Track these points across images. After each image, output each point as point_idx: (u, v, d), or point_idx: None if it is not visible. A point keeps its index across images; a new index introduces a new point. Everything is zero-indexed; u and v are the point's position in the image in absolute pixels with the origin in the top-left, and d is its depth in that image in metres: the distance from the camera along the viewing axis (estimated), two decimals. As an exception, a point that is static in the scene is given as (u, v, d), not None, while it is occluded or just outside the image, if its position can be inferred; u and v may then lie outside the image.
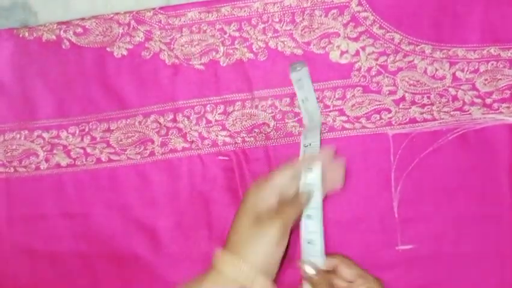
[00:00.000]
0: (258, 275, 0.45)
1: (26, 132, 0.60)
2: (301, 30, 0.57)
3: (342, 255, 0.54)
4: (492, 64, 0.56)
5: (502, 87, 0.56)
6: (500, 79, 0.56)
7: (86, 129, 0.60)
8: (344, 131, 0.58)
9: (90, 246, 0.61)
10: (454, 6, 0.56)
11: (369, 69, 0.57)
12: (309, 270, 0.52)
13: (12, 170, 0.61)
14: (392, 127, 0.57)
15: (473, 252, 0.58)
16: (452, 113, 0.57)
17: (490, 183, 0.57)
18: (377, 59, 0.56)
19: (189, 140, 0.59)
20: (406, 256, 0.58)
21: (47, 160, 0.61)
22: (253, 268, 0.45)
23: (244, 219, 0.48)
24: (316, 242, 0.52)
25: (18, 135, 0.60)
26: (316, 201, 0.51)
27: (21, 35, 0.59)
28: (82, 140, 0.60)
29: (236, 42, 0.57)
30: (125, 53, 0.58)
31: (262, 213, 0.48)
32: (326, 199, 0.55)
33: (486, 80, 0.56)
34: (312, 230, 0.51)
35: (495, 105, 0.56)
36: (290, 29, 0.57)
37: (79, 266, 0.62)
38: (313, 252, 0.52)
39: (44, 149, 0.61)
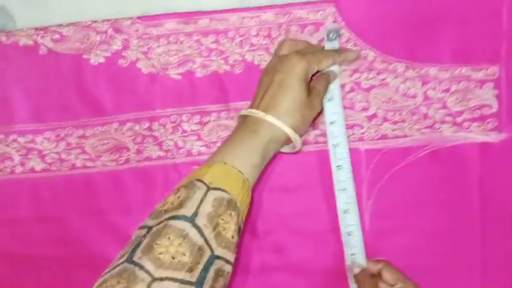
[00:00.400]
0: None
1: (2, 136, 0.61)
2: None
3: (386, 260, 0.55)
4: (463, 84, 0.57)
5: (473, 106, 0.57)
6: (471, 99, 0.57)
7: (62, 135, 0.60)
8: (318, 145, 0.59)
9: (66, 251, 0.62)
10: (427, 26, 0.57)
11: (343, 86, 0.58)
12: (356, 270, 0.54)
13: (-14, 173, 0.61)
14: (364, 142, 0.58)
15: (443, 265, 0.59)
16: (423, 130, 0.58)
17: (460, 198, 0.59)
18: (351, 76, 0.57)
19: (165, 148, 0.60)
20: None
21: (22, 164, 0.61)
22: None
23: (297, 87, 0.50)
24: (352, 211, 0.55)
25: (-7, 139, 0.61)
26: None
27: (-3, 39, 0.58)
28: (57, 145, 0.60)
29: (213, 54, 0.58)
30: (102, 60, 0.59)
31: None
32: (299, 208, 0.58)
33: (457, 99, 0.57)
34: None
35: (466, 124, 0.58)
36: (267, 43, 0.57)
37: (54, 270, 0.63)
38: (353, 242, 0.56)
39: (19, 153, 0.61)
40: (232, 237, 0.43)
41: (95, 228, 0.61)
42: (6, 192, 0.62)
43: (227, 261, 0.42)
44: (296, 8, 0.56)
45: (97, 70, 0.59)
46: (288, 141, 0.52)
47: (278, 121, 0.48)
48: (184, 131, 0.59)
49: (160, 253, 0.38)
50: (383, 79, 0.57)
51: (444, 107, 0.57)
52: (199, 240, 0.40)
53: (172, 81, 0.59)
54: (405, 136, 0.58)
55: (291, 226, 0.60)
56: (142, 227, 0.43)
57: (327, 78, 0.54)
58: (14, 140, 0.61)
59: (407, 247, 0.59)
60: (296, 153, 0.56)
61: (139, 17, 0.57)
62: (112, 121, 0.59)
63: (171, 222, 0.40)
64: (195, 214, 0.41)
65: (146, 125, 0.59)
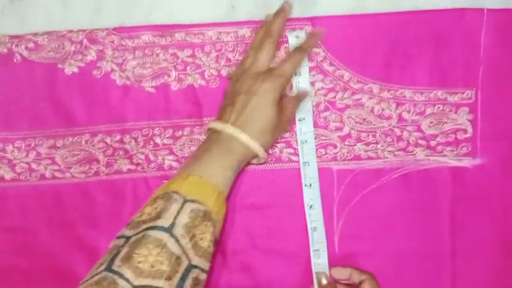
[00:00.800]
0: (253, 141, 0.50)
1: (-29, 143, 0.59)
2: (253, 61, 0.57)
3: (372, 274, 0.55)
4: (438, 107, 0.57)
5: (447, 130, 0.57)
6: (446, 122, 0.57)
7: (32, 145, 0.59)
8: (290, 163, 0.58)
9: (31, 262, 0.61)
10: (404, 47, 0.57)
11: (317, 105, 0.57)
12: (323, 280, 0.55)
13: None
14: (337, 162, 0.58)
15: (412, 290, 0.58)
16: (396, 152, 0.57)
17: (431, 222, 0.58)
18: (325, 95, 0.57)
19: (135, 162, 0.59)
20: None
21: (-9, 173, 0.60)
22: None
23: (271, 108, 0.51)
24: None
25: (-37, 146, 0.60)
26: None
27: (-29, 46, 0.58)
28: (28, 155, 0.60)
29: (188, 68, 0.57)
30: (76, 70, 0.58)
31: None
32: (269, 227, 0.58)
33: (432, 122, 0.57)
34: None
35: (439, 147, 0.57)
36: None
37: (20, 281, 0.61)
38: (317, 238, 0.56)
39: (-12, 161, 0.60)
40: (208, 247, 0.44)
41: (62, 240, 0.60)
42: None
43: (203, 270, 0.44)
44: (272, 25, 0.56)
45: (70, 80, 0.58)
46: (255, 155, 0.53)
47: (252, 141, 0.50)
48: (156, 145, 0.59)
49: (139, 262, 0.40)
50: (358, 99, 0.57)
51: (419, 129, 0.57)
52: (177, 250, 0.41)
53: (146, 94, 0.58)
54: (378, 158, 0.58)
55: (260, 245, 0.59)
56: (119, 237, 0.43)
57: (299, 99, 0.55)
58: (-17, 148, 0.60)
59: (376, 270, 0.58)
60: (263, 163, 0.57)
61: (114, 28, 0.57)
62: (83, 132, 0.59)
63: (150, 232, 0.41)
64: (172, 225, 0.42)
65: (118, 137, 0.59)
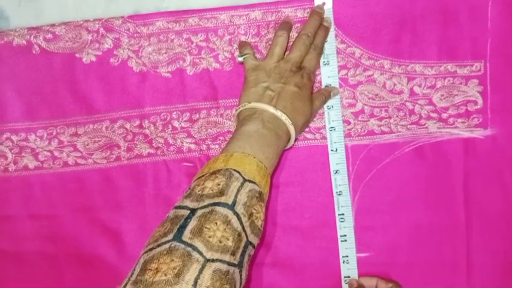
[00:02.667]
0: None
1: (-5, 134, 0.61)
2: (266, 43, 0.58)
3: (378, 276, 0.59)
4: (449, 80, 0.58)
5: (458, 102, 0.58)
6: (457, 95, 0.58)
7: (54, 133, 0.61)
8: (306, 141, 0.60)
9: (56, 247, 0.63)
10: (413, 23, 0.58)
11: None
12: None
13: (-21, 171, 0.62)
14: (351, 138, 0.59)
15: (428, 261, 0.60)
16: (409, 126, 0.59)
17: (445, 194, 0.60)
18: (338, 72, 0.58)
19: (155, 146, 0.60)
20: (363, 263, 0.60)
21: (15, 162, 0.62)
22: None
23: None
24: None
25: (-13, 137, 0.61)
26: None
27: (-9, 39, 0.60)
28: (50, 143, 0.61)
29: (203, 52, 0.59)
30: (93, 59, 0.60)
31: None
32: (287, 204, 0.60)
33: (442, 95, 0.58)
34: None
35: (451, 120, 0.59)
36: (255, 41, 0.58)
37: (44, 267, 0.63)
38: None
39: (12, 151, 0.62)
40: (261, 226, 0.46)
41: (86, 225, 0.62)
42: (-1, 190, 0.62)
43: (254, 247, 0.46)
44: (284, 6, 0.57)
45: (88, 69, 0.60)
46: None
47: (294, 133, 0.53)
48: (174, 128, 0.60)
49: (210, 236, 0.41)
50: (370, 75, 0.58)
51: (430, 103, 0.58)
52: (239, 227, 0.43)
53: (162, 79, 0.60)
54: (391, 132, 0.59)
55: (280, 222, 0.61)
56: (180, 207, 0.44)
57: (327, 96, 0.58)
58: (7, 138, 0.61)
59: (392, 243, 0.59)
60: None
61: (129, 16, 0.59)
62: (103, 119, 0.60)
63: (217, 208, 0.43)
64: (234, 202, 0.44)
65: (137, 122, 0.60)
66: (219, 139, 0.60)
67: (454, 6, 0.57)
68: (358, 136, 0.59)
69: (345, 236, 0.59)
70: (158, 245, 0.41)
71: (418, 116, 0.58)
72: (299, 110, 0.53)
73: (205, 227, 0.41)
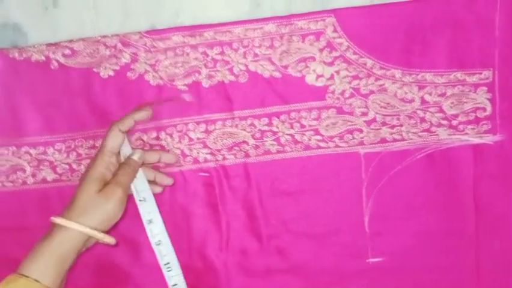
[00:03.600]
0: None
1: (14, 148, 0.63)
2: (280, 55, 0.60)
3: None
4: (458, 88, 0.60)
5: (468, 109, 0.60)
6: (466, 102, 0.60)
7: (72, 146, 0.62)
8: (319, 150, 0.61)
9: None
10: (423, 33, 0.59)
11: (343, 92, 0.60)
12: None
13: (-1, 185, 0.63)
14: (364, 146, 0.61)
15: (439, 266, 0.61)
16: (420, 133, 0.60)
17: (455, 200, 0.61)
18: (350, 82, 0.60)
19: (172, 157, 0.62)
20: (376, 268, 0.61)
21: (33, 175, 0.63)
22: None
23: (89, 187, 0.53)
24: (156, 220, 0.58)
25: (6, 151, 0.63)
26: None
27: (11, 56, 0.61)
28: (68, 156, 0.62)
29: (218, 64, 0.60)
30: (111, 73, 0.61)
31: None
32: (301, 211, 0.61)
33: (452, 103, 0.60)
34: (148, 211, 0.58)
35: (461, 126, 0.60)
36: (269, 53, 0.60)
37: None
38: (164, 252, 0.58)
39: (31, 164, 0.63)
40: None
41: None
42: (17, 202, 0.64)
43: None
44: (297, 18, 0.59)
45: (106, 83, 0.61)
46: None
47: (70, 222, 0.51)
48: (191, 139, 0.62)
49: None
50: (381, 85, 0.60)
51: (440, 110, 0.60)
52: None
53: (178, 92, 0.61)
54: (403, 139, 0.60)
55: (293, 229, 0.63)
56: None
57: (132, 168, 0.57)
58: (26, 152, 0.63)
59: (404, 248, 0.61)
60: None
61: (147, 31, 0.60)
62: (121, 131, 0.61)
63: None
64: None
65: (154, 134, 0.62)
66: (234, 149, 0.61)
67: (461, 16, 0.58)
68: (371, 144, 0.60)
69: (176, 285, 0.59)
70: None
71: (429, 123, 0.60)
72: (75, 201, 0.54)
73: None
